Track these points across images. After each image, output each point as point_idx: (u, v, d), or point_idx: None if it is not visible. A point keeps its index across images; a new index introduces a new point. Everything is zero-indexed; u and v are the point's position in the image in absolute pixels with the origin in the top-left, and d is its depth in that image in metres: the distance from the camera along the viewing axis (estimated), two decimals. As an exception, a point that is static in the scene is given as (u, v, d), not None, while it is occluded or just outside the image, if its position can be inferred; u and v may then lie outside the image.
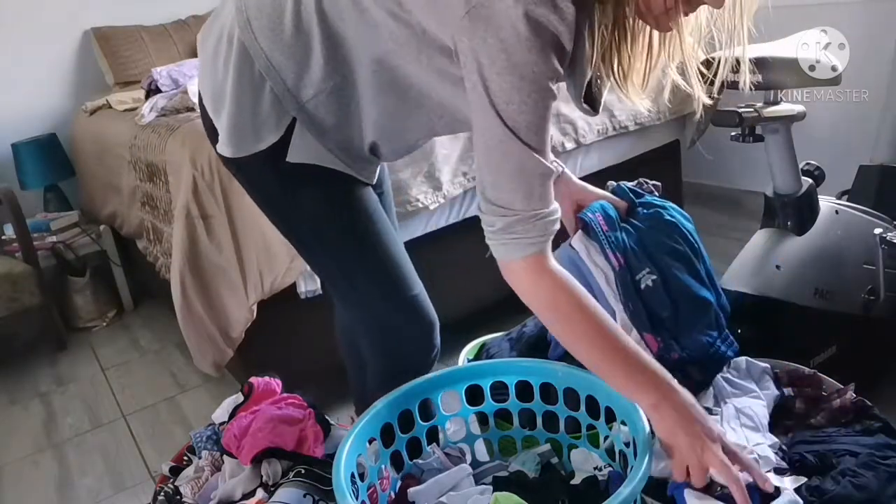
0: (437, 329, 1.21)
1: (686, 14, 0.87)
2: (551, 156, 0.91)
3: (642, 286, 1.11)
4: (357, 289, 1.18)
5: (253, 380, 1.25)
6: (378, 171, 1.21)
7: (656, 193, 1.25)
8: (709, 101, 0.98)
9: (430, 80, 0.99)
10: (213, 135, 1.14)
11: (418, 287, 1.19)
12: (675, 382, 0.88)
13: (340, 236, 1.13)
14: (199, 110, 1.18)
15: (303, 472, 1.06)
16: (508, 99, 0.83)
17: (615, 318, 1.15)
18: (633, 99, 0.98)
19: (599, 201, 1.18)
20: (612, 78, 0.97)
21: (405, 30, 0.94)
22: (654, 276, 1.11)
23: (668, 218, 1.16)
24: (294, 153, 1.04)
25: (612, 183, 1.25)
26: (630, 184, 1.25)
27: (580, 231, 1.18)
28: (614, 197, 1.21)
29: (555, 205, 0.91)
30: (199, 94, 1.15)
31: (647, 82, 0.97)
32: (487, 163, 0.88)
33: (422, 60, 0.96)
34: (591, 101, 1.01)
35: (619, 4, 0.88)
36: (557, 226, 0.91)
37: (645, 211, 1.18)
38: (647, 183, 1.27)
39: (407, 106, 1.04)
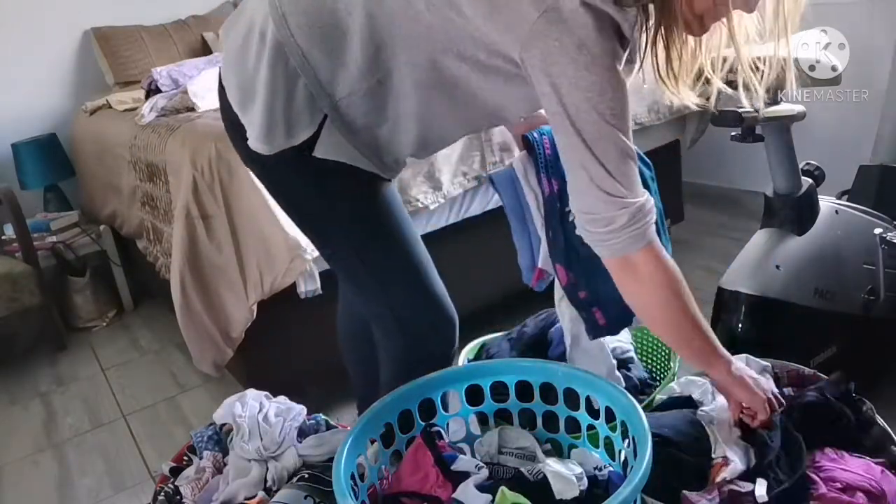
0: (458, 325, 1.21)
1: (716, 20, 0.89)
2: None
3: (570, 218, 1.05)
4: (383, 286, 1.17)
5: None
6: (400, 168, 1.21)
7: None
8: (754, 108, 1.00)
9: (479, 78, 0.99)
10: (232, 130, 1.13)
11: (441, 283, 1.19)
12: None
13: (367, 232, 1.14)
14: (220, 105, 1.16)
15: (306, 476, 1.06)
16: (601, 90, 0.86)
17: (541, 244, 1.16)
18: (681, 93, 0.98)
19: None
20: (658, 73, 0.97)
21: (461, 34, 0.94)
22: None
23: None
24: (321, 149, 1.05)
25: None
26: None
27: (524, 151, 1.16)
28: None
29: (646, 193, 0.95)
30: (222, 90, 1.13)
31: (689, 77, 0.98)
32: (596, 159, 0.90)
33: (477, 58, 0.96)
34: None
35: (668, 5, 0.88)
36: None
37: None
38: None
39: (452, 104, 1.05)
